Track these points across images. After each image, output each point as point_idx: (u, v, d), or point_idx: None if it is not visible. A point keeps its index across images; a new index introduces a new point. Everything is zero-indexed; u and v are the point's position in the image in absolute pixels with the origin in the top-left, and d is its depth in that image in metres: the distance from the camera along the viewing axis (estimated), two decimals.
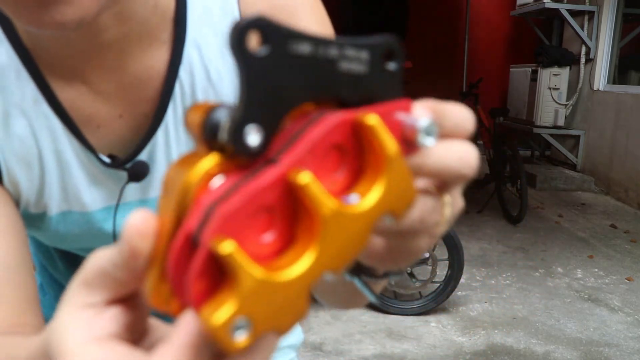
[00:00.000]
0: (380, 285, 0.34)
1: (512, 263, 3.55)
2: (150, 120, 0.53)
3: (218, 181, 0.20)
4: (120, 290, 0.25)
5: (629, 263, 3.61)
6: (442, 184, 0.27)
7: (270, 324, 0.20)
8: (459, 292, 2.98)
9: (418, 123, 0.22)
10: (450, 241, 2.68)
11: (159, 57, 0.52)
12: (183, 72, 0.52)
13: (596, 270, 3.47)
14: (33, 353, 0.33)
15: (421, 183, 0.26)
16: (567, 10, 5.71)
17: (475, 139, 5.37)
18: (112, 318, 0.25)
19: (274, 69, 0.20)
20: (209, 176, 0.20)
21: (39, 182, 0.52)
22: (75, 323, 0.24)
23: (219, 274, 0.19)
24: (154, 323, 0.28)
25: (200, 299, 0.19)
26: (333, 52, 0.22)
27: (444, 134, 0.25)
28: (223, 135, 0.20)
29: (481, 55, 7.60)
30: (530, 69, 6.18)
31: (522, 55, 7.13)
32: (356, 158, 0.22)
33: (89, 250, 0.62)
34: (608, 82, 5.69)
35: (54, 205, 0.53)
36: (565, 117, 5.98)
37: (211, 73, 0.53)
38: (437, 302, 2.75)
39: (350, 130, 0.22)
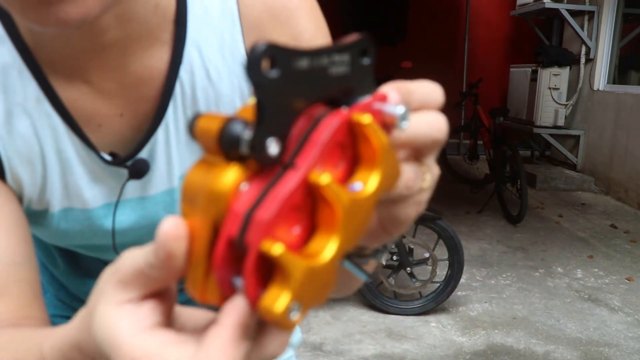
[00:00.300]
0: (371, 264, 0.36)
1: (512, 263, 3.55)
2: (151, 119, 0.54)
3: (244, 188, 0.23)
4: (154, 286, 0.27)
5: (629, 263, 3.61)
6: (419, 151, 0.30)
7: (313, 301, 0.24)
8: (459, 292, 2.98)
9: (397, 112, 0.26)
10: (450, 241, 2.68)
11: (160, 57, 0.52)
12: (183, 72, 0.53)
13: (596, 270, 3.47)
14: (59, 345, 0.34)
15: (402, 154, 0.29)
16: (567, 10, 5.71)
17: (475, 138, 5.38)
18: (150, 310, 0.28)
19: (284, 86, 0.23)
20: (236, 184, 0.23)
21: (41, 179, 0.53)
22: (120, 317, 0.27)
23: (266, 269, 0.23)
24: (177, 310, 0.30)
25: (253, 291, 0.23)
26: (324, 60, 0.25)
27: (415, 108, 0.28)
28: (244, 148, 0.23)
29: (481, 55, 7.60)
30: (530, 69, 6.18)
31: (522, 55, 7.13)
32: (352, 150, 0.26)
33: (89, 247, 0.63)
34: (608, 82, 5.69)
35: (56, 202, 0.54)
36: (565, 117, 5.98)
37: (211, 72, 0.54)
38: (437, 302, 2.75)
39: (348, 128, 0.25)
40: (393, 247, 2.67)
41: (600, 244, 3.97)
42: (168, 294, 0.29)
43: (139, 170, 0.54)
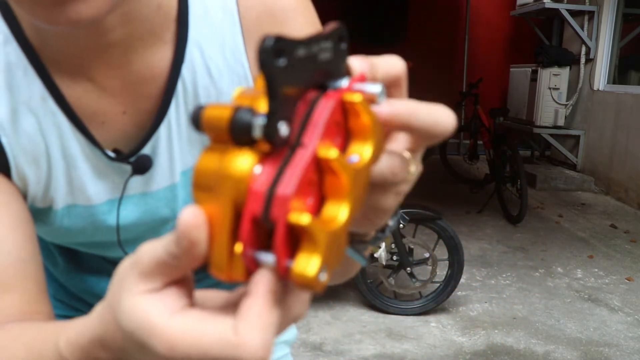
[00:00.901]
0: (368, 250, 0.39)
1: (512, 263, 3.55)
2: (153, 116, 0.55)
3: (257, 169, 0.25)
4: (175, 275, 0.28)
5: (629, 263, 3.61)
6: (416, 142, 0.32)
7: (335, 263, 0.27)
8: (459, 292, 2.98)
9: (375, 90, 0.29)
10: (450, 241, 2.68)
11: (162, 56, 0.53)
12: (185, 70, 0.54)
13: (596, 270, 3.47)
14: (77, 340, 0.34)
15: (400, 143, 0.32)
16: (567, 10, 5.71)
17: (475, 138, 5.38)
18: (175, 295, 0.29)
19: (289, 73, 0.26)
20: (252, 167, 0.25)
21: (46, 176, 0.54)
22: (149, 304, 0.28)
23: (288, 240, 0.26)
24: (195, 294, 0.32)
25: (284, 260, 0.26)
26: (315, 48, 0.28)
27: (380, 78, 0.31)
28: (257, 132, 0.25)
29: (481, 55, 7.60)
30: (530, 69, 6.18)
31: (522, 55, 7.13)
32: (344, 126, 0.29)
33: (91, 244, 0.63)
34: (608, 82, 5.69)
35: (60, 199, 0.55)
36: (565, 117, 5.98)
37: (212, 71, 0.55)
38: (437, 302, 2.75)
39: (341, 107, 0.28)
40: (393, 247, 2.67)
41: (600, 244, 3.97)
42: (187, 279, 0.30)
43: (142, 166, 0.55)
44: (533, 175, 5.58)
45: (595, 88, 5.74)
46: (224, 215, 0.26)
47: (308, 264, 0.25)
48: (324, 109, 0.27)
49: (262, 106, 0.25)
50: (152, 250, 0.28)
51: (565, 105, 5.96)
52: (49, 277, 0.73)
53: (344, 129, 0.29)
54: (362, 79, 0.30)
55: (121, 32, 0.49)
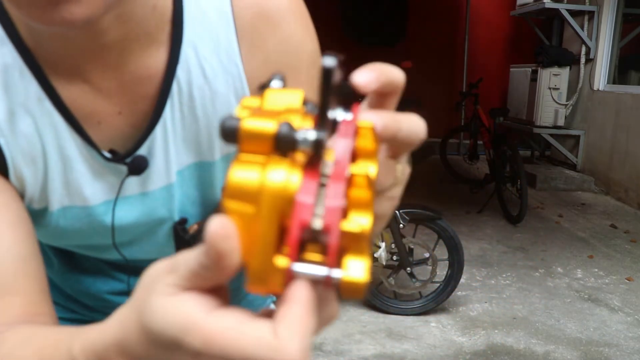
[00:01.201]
0: None
1: (512, 263, 3.55)
2: (149, 116, 0.55)
3: (295, 179, 0.26)
4: (208, 285, 0.28)
5: (629, 263, 3.61)
6: (396, 150, 0.33)
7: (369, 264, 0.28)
8: (459, 292, 2.98)
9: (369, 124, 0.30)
10: (450, 241, 2.68)
11: (158, 57, 0.54)
12: (180, 71, 0.54)
13: (596, 270, 3.47)
14: (92, 347, 0.34)
15: (381, 153, 0.32)
16: (567, 10, 5.71)
17: (475, 138, 5.38)
18: (210, 298, 0.28)
19: (331, 94, 0.27)
20: (297, 179, 0.26)
21: (43, 177, 0.54)
22: (184, 301, 0.27)
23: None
24: None
25: (336, 265, 0.26)
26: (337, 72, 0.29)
27: (399, 141, 0.31)
28: (305, 146, 0.26)
29: (481, 55, 7.60)
30: (530, 69, 6.18)
31: (522, 55, 7.13)
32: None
33: (87, 247, 0.63)
34: (608, 82, 5.69)
35: (56, 201, 0.55)
36: (565, 117, 5.98)
37: (207, 71, 0.55)
38: (437, 302, 2.75)
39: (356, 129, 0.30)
40: (393, 247, 2.67)
41: (600, 244, 3.97)
42: (222, 288, 0.30)
43: (138, 167, 0.55)
44: (533, 175, 5.58)
45: (595, 88, 5.74)
46: (268, 227, 0.26)
47: (359, 270, 0.26)
48: (349, 128, 0.29)
49: (296, 121, 0.27)
50: (184, 260, 0.28)
51: (565, 105, 5.96)
52: None
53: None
54: (356, 107, 0.32)
55: (117, 33, 0.49)
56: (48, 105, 0.51)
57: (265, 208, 0.26)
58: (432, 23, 7.53)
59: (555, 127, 5.97)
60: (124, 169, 0.56)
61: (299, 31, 0.58)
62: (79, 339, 0.36)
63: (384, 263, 2.66)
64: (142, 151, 0.55)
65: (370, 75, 0.30)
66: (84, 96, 0.53)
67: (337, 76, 0.28)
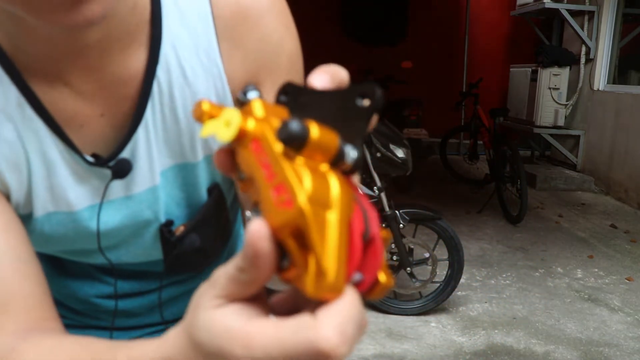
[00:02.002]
0: None
1: (512, 263, 3.55)
2: (131, 118, 0.55)
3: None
4: (247, 291, 0.29)
5: (629, 263, 3.61)
6: None
7: None
8: (459, 292, 2.98)
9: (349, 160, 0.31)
10: (450, 241, 2.68)
11: (137, 58, 0.53)
12: (160, 71, 0.54)
13: (596, 270, 3.47)
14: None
15: None
16: (567, 10, 5.71)
17: (475, 138, 5.38)
18: (250, 307, 0.30)
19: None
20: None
21: (27, 183, 0.53)
22: (226, 313, 0.29)
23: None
24: None
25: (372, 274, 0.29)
26: None
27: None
28: (349, 162, 0.28)
29: (481, 55, 7.60)
30: (530, 69, 6.18)
31: (522, 55, 7.13)
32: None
33: (73, 252, 0.62)
34: (608, 82, 5.69)
35: (40, 207, 0.55)
36: (565, 117, 5.98)
37: (187, 72, 0.55)
38: (437, 302, 2.75)
39: None
40: (393, 247, 2.67)
41: (600, 244, 3.97)
42: (261, 297, 0.31)
43: (122, 170, 0.55)
44: (533, 175, 5.58)
45: (595, 88, 5.74)
46: (344, 235, 0.27)
47: (386, 275, 0.29)
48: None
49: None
50: (223, 269, 0.30)
51: (565, 105, 5.96)
52: None
53: None
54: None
55: (99, 34, 0.49)
56: (28, 110, 0.51)
57: (341, 218, 0.27)
58: (433, 23, 7.53)
59: (555, 127, 5.97)
60: (107, 172, 0.55)
61: (279, 30, 0.57)
62: (122, 353, 0.36)
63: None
64: (125, 154, 0.55)
65: (325, 78, 0.32)
66: (65, 99, 0.52)
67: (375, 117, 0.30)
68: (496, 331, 2.65)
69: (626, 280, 3.32)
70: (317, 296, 0.26)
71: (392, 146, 2.62)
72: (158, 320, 0.74)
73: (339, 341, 0.26)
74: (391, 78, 5.87)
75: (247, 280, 0.28)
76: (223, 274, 0.29)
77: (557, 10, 5.79)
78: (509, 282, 3.26)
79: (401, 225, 2.60)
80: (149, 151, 0.56)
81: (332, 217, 0.26)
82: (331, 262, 0.26)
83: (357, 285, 0.28)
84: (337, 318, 0.26)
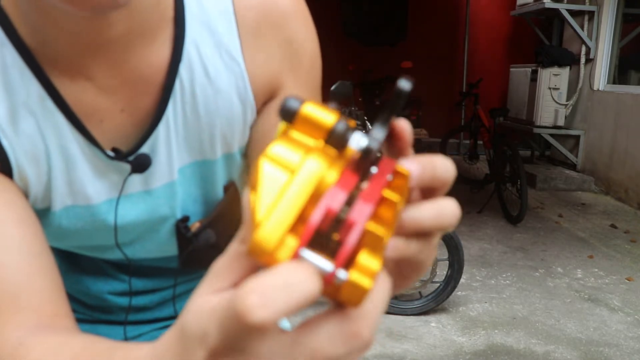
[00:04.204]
0: None
1: (512, 263, 3.55)
2: (151, 114, 0.55)
3: (333, 174, 0.26)
4: (243, 272, 0.27)
5: (629, 263, 3.61)
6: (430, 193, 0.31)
7: None
8: (459, 292, 2.98)
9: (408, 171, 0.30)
10: (450, 241, 2.68)
11: (160, 54, 0.54)
12: (183, 69, 0.54)
13: (596, 270, 3.47)
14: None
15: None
16: (567, 10, 5.71)
17: (475, 138, 5.38)
18: None
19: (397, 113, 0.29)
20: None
21: (46, 177, 0.54)
22: (213, 298, 0.27)
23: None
24: None
25: (345, 265, 0.25)
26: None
27: (431, 184, 0.30)
28: (356, 149, 0.27)
29: (481, 55, 7.60)
30: (530, 69, 6.18)
31: (522, 55, 7.13)
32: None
33: (90, 247, 0.63)
34: (608, 82, 5.69)
35: (59, 200, 0.55)
36: (565, 117, 5.98)
37: (209, 70, 0.55)
38: (437, 302, 2.75)
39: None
40: None
41: (600, 244, 3.97)
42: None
43: (141, 165, 0.56)
44: (533, 175, 5.58)
45: (595, 88, 5.74)
46: (293, 202, 0.25)
47: (366, 276, 0.24)
48: (389, 165, 0.29)
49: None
50: (222, 258, 0.28)
51: (565, 105, 5.96)
52: None
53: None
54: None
55: (122, 27, 0.49)
56: (50, 104, 0.51)
57: (299, 182, 0.25)
58: (433, 23, 7.53)
59: (555, 127, 5.97)
60: (127, 167, 0.56)
61: (302, 31, 0.59)
62: (119, 354, 0.36)
63: None
64: (144, 149, 0.56)
65: (417, 167, 0.29)
66: (86, 94, 0.53)
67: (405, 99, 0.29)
68: (496, 331, 2.65)
69: (626, 280, 3.32)
70: (252, 255, 0.24)
71: None
72: (171, 314, 0.74)
73: (258, 302, 0.21)
74: (391, 78, 5.88)
75: (244, 261, 0.27)
76: (221, 259, 0.27)
77: (557, 10, 5.79)
78: (509, 282, 3.26)
79: None
80: (169, 147, 0.56)
81: (282, 178, 0.25)
82: (264, 218, 0.24)
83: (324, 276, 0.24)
84: (261, 281, 0.22)
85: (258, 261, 0.25)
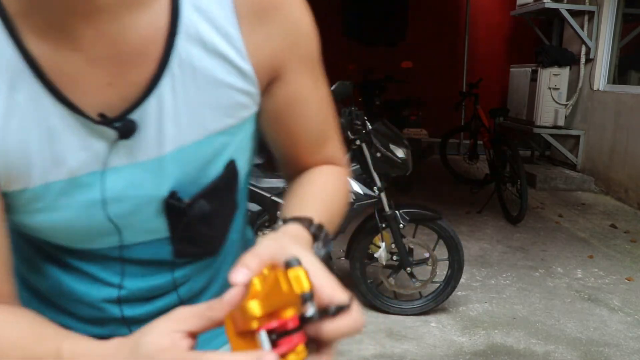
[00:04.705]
0: None
1: (512, 263, 3.55)
2: (142, 88, 0.53)
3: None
4: (205, 325, 0.36)
5: (629, 263, 3.61)
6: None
7: None
8: (459, 292, 2.98)
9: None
10: (450, 241, 2.68)
11: (155, 25, 0.52)
12: (181, 41, 0.53)
13: (596, 270, 3.47)
14: (84, 354, 0.38)
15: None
16: (567, 10, 5.71)
17: (475, 138, 5.38)
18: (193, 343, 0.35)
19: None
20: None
21: (23, 152, 0.52)
22: (175, 339, 0.34)
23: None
24: None
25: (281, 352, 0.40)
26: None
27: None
28: (304, 312, 0.40)
29: (481, 55, 7.60)
30: (530, 69, 6.18)
31: (522, 55, 7.13)
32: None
33: (78, 234, 0.59)
34: (608, 82, 5.69)
35: (37, 176, 0.53)
36: (565, 117, 5.98)
37: (207, 45, 0.54)
38: (437, 302, 2.75)
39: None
40: (393, 247, 2.67)
41: (600, 244, 3.97)
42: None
43: (127, 130, 0.53)
44: (533, 175, 5.58)
45: (595, 88, 5.74)
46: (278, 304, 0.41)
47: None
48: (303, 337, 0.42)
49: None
50: (189, 308, 0.34)
51: (565, 105, 5.96)
52: (32, 294, 0.70)
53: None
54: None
55: None
56: (29, 75, 0.49)
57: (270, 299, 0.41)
58: (433, 23, 7.53)
59: (555, 127, 5.97)
60: (113, 133, 0.53)
61: (298, 9, 0.59)
62: (68, 343, 0.38)
63: (384, 263, 2.66)
64: (132, 117, 0.54)
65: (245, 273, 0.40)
66: (70, 65, 0.51)
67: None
68: (496, 331, 2.65)
69: (626, 280, 3.32)
70: (242, 312, 0.40)
71: (392, 146, 2.62)
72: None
73: None
74: (391, 78, 5.87)
75: (211, 316, 0.33)
76: (187, 310, 0.33)
77: (557, 10, 5.79)
78: (509, 282, 3.26)
79: (401, 225, 2.60)
80: (160, 122, 0.54)
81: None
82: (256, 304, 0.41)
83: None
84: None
85: (237, 321, 0.40)
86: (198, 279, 0.68)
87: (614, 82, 5.67)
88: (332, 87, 2.53)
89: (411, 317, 2.73)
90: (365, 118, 2.59)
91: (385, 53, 7.35)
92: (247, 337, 0.40)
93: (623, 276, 3.38)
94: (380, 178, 2.59)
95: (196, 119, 0.56)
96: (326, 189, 0.67)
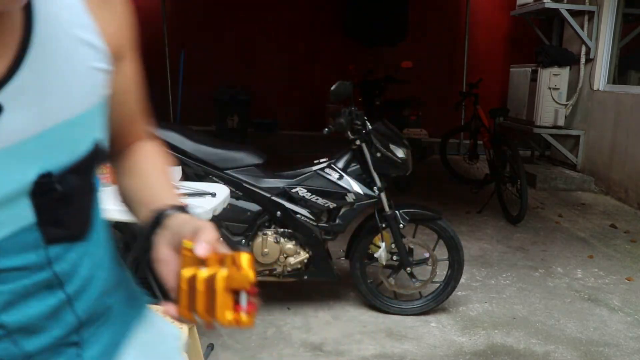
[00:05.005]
0: None
1: (512, 263, 3.55)
2: (5, 67, 0.52)
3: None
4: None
5: (629, 263, 3.61)
6: None
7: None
8: (459, 292, 2.98)
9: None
10: (450, 241, 2.68)
11: (12, 14, 0.52)
12: (38, 26, 0.54)
13: (596, 270, 3.47)
14: None
15: None
16: (567, 10, 5.71)
17: (475, 138, 5.37)
18: None
19: None
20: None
21: None
22: None
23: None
24: None
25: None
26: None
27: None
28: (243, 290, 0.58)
29: (481, 55, 7.60)
30: (530, 69, 6.17)
31: (522, 55, 7.13)
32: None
33: None
34: (608, 82, 5.69)
35: None
36: (565, 117, 5.98)
37: (64, 25, 0.57)
38: (437, 302, 2.75)
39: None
40: (393, 247, 2.67)
41: (600, 244, 3.97)
42: None
43: None
44: (533, 175, 5.58)
45: (595, 88, 5.74)
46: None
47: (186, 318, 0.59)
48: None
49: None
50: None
51: (565, 105, 5.96)
52: None
53: None
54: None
55: None
56: None
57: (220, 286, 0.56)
58: (433, 23, 7.54)
59: (555, 127, 5.97)
60: None
61: (125, 2, 0.67)
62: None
63: (384, 263, 2.66)
64: None
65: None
66: None
67: None
68: (496, 331, 2.65)
69: (626, 280, 3.32)
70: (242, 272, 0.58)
71: (392, 146, 2.62)
72: (74, 323, 0.64)
73: None
74: (391, 78, 5.87)
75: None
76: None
77: (557, 10, 5.80)
78: (509, 282, 3.26)
79: (401, 225, 2.60)
80: (23, 107, 0.52)
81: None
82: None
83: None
84: None
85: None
86: (80, 270, 0.63)
87: (614, 82, 5.67)
88: (332, 87, 2.53)
89: (411, 317, 2.73)
90: (365, 118, 2.59)
91: (385, 53, 7.35)
92: (232, 294, 0.55)
93: (623, 276, 3.38)
94: (380, 178, 2.59)
95: (54, 102, 0.56)
96: (164, 169, 0.78)
